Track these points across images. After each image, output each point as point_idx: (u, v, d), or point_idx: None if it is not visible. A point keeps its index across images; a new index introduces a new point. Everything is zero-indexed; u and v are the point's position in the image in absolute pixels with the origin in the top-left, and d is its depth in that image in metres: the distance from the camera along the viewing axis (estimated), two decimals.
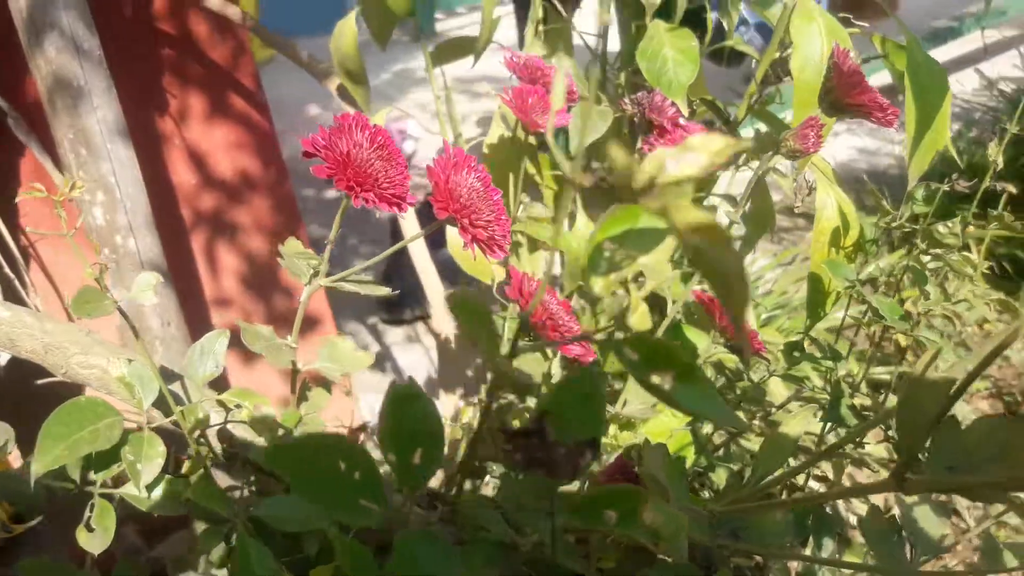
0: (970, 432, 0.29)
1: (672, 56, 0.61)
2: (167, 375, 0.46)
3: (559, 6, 0.82)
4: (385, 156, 0.44)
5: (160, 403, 0.44)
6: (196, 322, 1.02)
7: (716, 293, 0.22)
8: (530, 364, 0.63)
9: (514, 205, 0.71)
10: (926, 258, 0.54)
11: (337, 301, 1.22)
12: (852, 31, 0.55)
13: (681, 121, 0.63)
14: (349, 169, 0.42)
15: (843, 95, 0.43)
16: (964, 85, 2.19)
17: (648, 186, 0.22)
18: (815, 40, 0.47)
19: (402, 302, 1.61)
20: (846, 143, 2.32)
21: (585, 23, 1.22)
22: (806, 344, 0.58)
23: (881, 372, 1.06)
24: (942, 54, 2.33)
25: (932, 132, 0.52)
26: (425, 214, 1.03)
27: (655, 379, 0.28)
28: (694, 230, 0.21)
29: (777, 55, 0.62)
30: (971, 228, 1.34)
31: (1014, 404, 1.08)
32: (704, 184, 0.72)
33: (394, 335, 1.62)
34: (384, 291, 0.49)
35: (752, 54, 0.66)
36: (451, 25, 4.49)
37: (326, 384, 0.57)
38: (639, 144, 0.66)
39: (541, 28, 0.82)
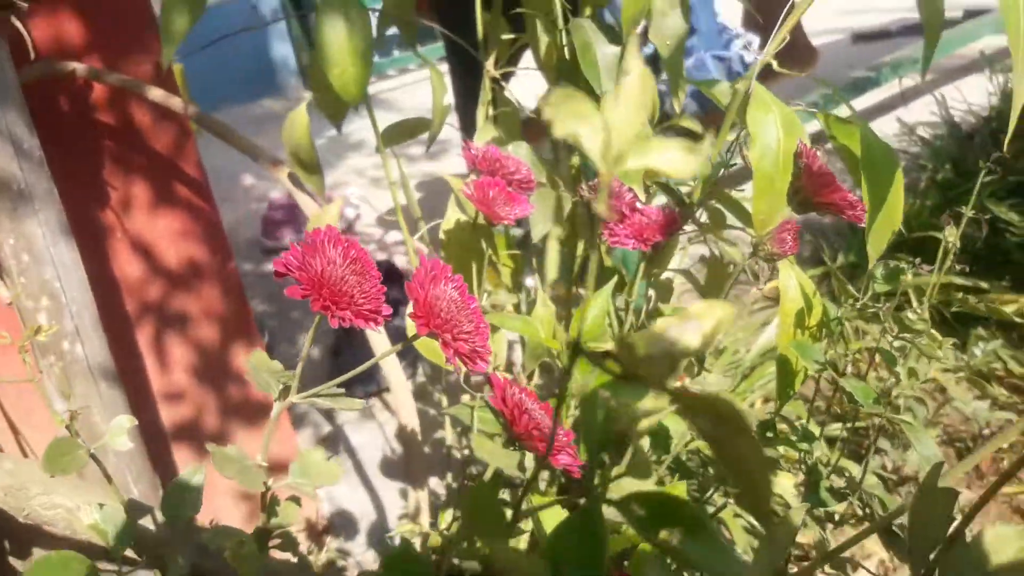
0: (983, 543, 0.29)
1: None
2: (135, 508, 0.44)
3: (510, 95, 0.83)
4: (359, 270, 0.43)
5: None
6: (146, 422, 0.98)
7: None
8: (500, 458, 0.62)
9: (478, 293, 0.71)
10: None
11: None
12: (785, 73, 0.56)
13: (639, 205, 0.64)
14: (324, 288, 0.41)
15: (813, 194, 0.44)
16: (885, 131, 2.28)
17: (650, 362, 0.22)
18: (772, 130, 0.48)
19: (354, 377, 1.58)
20: None
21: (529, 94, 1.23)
22: (777, 423, 0.58)
23: (835, 426, 1.08)
24: (862, 103, 2.43)
25: (887, 212, 0.53)
26: None
27: (663, 535, 0.27)
28: (706, 414, 0.20)
29: (730, 138, 0.63)
30: (908, 276, 1.38)
31: (966, 451, 1.11)
32: (661, 262, 0.73)
33: (346, 413, 1.59)
34: (358, 404, 0.47)
35: (698, 130, 0.67)
36: (382, 88, 4.52)
37: (295, 497, 0.55)
38: (600, 230, 0.66)
39: (491, 112, 0.83)
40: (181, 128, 0.95)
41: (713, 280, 0.75)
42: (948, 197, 1.53)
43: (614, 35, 0.60)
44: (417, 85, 4.42)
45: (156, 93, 0.86)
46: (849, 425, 0.78)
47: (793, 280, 0.57)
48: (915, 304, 0.72)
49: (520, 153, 0.68)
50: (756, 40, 1.38)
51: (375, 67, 4.70)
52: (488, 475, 0.57)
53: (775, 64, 0.53)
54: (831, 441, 1.03)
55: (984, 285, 1.32)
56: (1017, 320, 1.25)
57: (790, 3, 0.56)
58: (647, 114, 0.24)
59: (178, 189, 0.98)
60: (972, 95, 2.27)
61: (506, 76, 0.89)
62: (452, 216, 0.80)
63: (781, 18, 0.52)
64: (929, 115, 2.27)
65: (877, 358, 0.52)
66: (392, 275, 1.87)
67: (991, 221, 1.42)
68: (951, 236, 0.54)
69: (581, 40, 0.58)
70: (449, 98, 1.58)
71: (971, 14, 3.28)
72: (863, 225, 0.49)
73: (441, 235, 0.83)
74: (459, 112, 1.57)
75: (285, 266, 0.41)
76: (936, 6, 0.56)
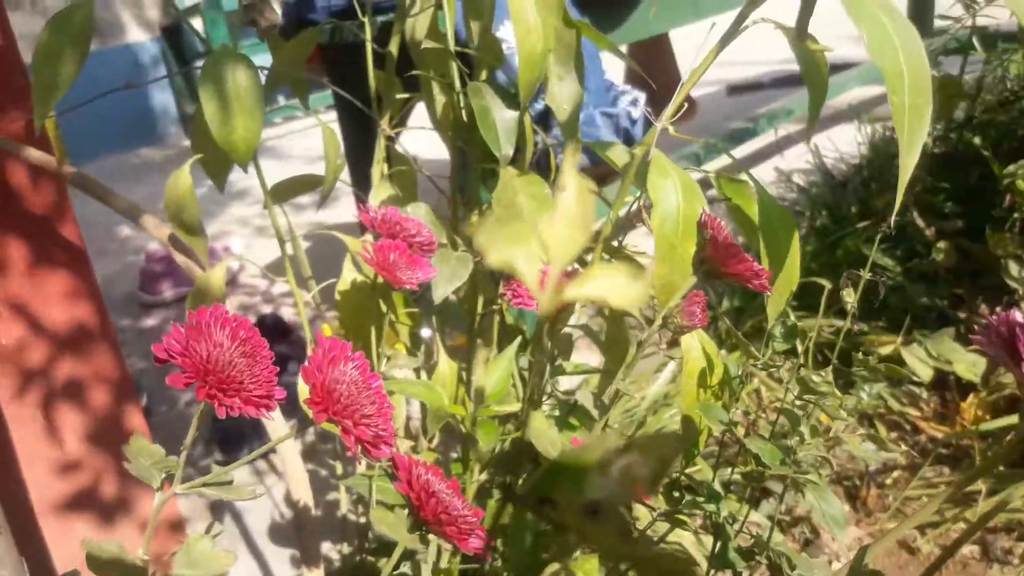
0: None
1: (527, 204, 0.62)
2: None
3: (405, 151, 0.82)
4: (249, 351, 0.40)
5: None
6: (11, 496, 0.90)
7: None
8: (403, 534, 0.59)
9: (376, 359, 0.68)
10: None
11: (164, 440, 1.11)
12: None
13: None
14: (210, 375, 0.38)
15: (719, 264, 0.44)
16: (763, 179, 2.39)
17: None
18: (671, 196, 0.49)
19: (239, 439, 1.50)
20: None
21: (424, 147, 1.23)
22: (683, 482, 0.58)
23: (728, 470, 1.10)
24: (741, 152, 2.55)
25: (785, 273, 0.54)
26: None
27: None
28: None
29: (629, 200, 0.64)
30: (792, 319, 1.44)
31: (853, 488, 1.15)
32: (562, 317, 0.72)
33: (232, 476, 1.51)
34: (248, 493, 0.44)
35: (603, 200, 0.68)
36: (268, 135, 4.43)
37: None
38: (501, 289, 0.65)
39: (386, 170, 0.81)
40: (57, 191, 0.90)
41: (613, 334, 0.75)
42: (826, 243, 1.60)
43: (511, 98, 0.60)
44: (304, 133, 4.35)
45: (32, 154, 0.80)
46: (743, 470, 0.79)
47: (695, 340, 0.57)
48: (801, 347, 0.74)
49: (419, 214, 0.67)
50: (642, 96, 1.42)
51: (281, 112, 4.60)
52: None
53: (671, 129, 0.54)
54: (727, 485, 1.05)
55: (864, 327, 1.38)
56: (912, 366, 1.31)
57: (674, 61, 0.57)
58: (588, 234, 0.23)
59: (54, 253, 0.91)
60: (842, 144, 2.40)
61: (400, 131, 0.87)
62: (348, 276, 0.77)
63: (680, 86, 0.53)
64: (804, 163, 2.39)
65: (778, 406, 0.52)
66: (279, 329, 1.81)
67: (865, 263, 1.49)
68: (849, 297, 0.55)
69: (479, 104, 0.58)
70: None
71: (835, 68, 3.50)
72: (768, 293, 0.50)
73: (336, 296, 0.80)
74: (350, 165, 1.54)
75: (167, 351, 0.38)
76: (815, 60, 0.58)
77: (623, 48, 2.28)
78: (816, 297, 1.45)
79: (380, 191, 0.79)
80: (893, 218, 0.42)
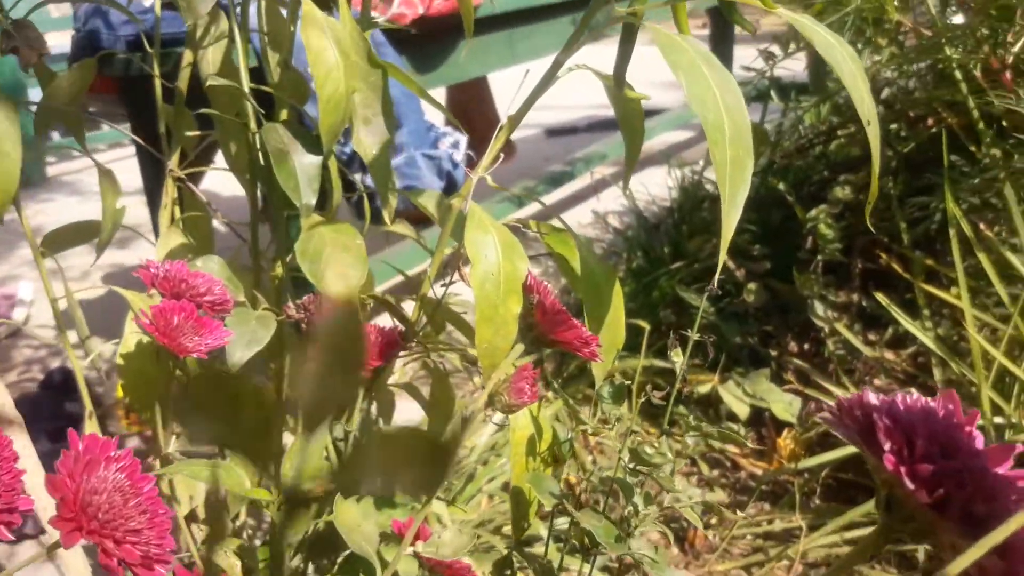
0: None
1: (336, 257, 0.56)
2: None
3: (196, 191, 0.74)
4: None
5: None
6: None
7: None
8: None
9: (164, 437, 0.59)
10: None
11: None
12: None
13: None
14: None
15: (548, 331, 0.41)
16: (581, 220, 2.44)
17: None
18: (491, 253, 0.45)
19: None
20: None
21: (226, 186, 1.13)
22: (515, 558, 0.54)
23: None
24: (560, 194, 2.59)
25: (609, 331, 0.52)
26: None
27: None
28: None
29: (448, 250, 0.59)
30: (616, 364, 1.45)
31: (681, 531, 1.16)
32: (381, 381, 0.67)
33: (16, 554, 1.32)
34: None
35: (422, 247, 0.63)
36: (64, 169, 4.07)
37: None
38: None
39: (178, 215, 0.73)
40: None
41: (437, 393, 0.70)
42: (642, 283, 1.63)
43: (314, 141, 0.54)
44: (112, 166, 4.03)
45: None
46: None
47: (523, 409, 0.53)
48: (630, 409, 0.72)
49: (212, 268, 0.59)
50: (463, 138, 1.39)
51: (57, 148, 4.24)
52: None
53: (489, 180, 0.50)
54: (560, 539, 1.02)
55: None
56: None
57: (492, 104, 0.54)
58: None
59: None
60: (653, 187, 2.50)
61: (199, 174, 0.79)
62: (130, 338, 0.68)
63: (496, 131, 0.49)
64: (619, 205, 2.47)
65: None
66: (69, 386, 1.62)
67: (680, 303, 1.54)
68: (677, 358, 0.53)
69: (276, 148, 0.51)
70: (137, 184, 1.41)
71: (647, 113, 3.68)
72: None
73: (119, 360, 0.70)
74: (149, 198, 1.41)
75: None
76: (632, 109, 0.56)
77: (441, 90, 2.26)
78: (637, 337, 1.47)
79: (167, 240, 0.70)
80: (716, 278, 0.40)
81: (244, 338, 0.56)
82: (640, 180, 2.60)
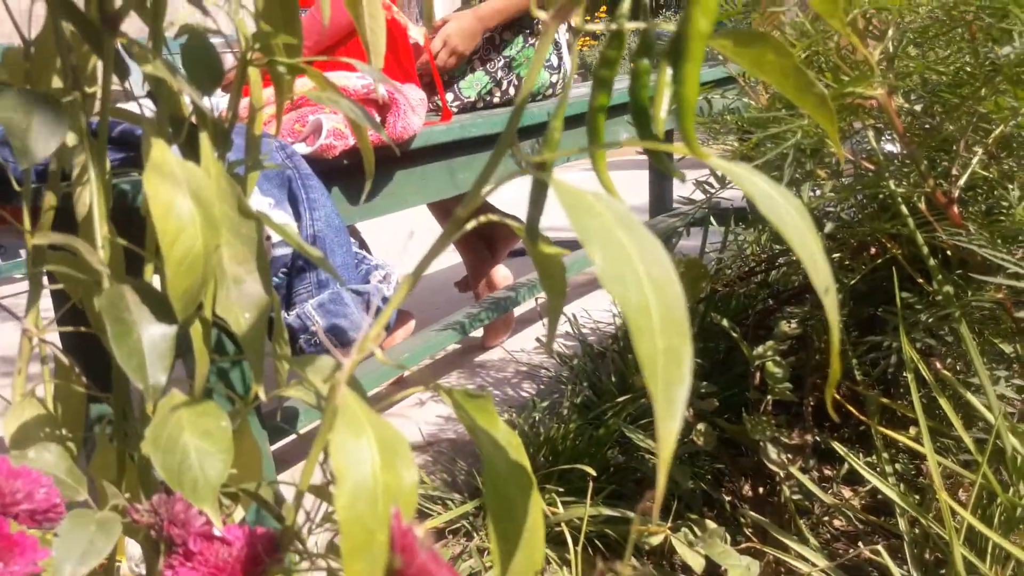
0: None
1: (196, 445, 0.46)
2: None
3: (59, 353, 0.64)
4: None
5: None
6: None
7: None
8: None
9: None
10: None
11: None
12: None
13: (216, 532, 0.46)
14: None
15: None
16: (526, 347, 2.37)
17: None
18: (365, 461, 0.35)
19: None
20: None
21: None
22: None
23: None
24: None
25: (525, 554, 0.42)
26: None
27: None
28: None
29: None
30: (560, 510, 1.34)
31: None
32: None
33: None
34: None
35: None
36: (4, 291, 3.91)
37: None
38: (160, 566, 0.48)
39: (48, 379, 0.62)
40: None
41: None
42: (588, 418, 1.54)
43: (167, 308, 0.44)
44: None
45: None
46: None
47: None
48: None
49: (46, 459, 0.48)
50: (395, 272, 1.32)
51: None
52: None
53: (379, 354, 0.41)
54: None
55: (630, 514, 1.30)
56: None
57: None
58: None
59: None
60: (596, 312, 2.45)
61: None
62: None
63: (394, 292, 0.41)
64: (565, 330, 2.40)
65: None
66: None
67: (628, 441, 1.44)
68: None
69: (115, 318, 0.42)
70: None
71: None
72: None
73: None
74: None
75: None
76: (552, 264, 0.49)
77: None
78: (583, 481, 1.36)
79: (19, 413, 0.59)
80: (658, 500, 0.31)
81: (76, 551, 0.45)
82: (583, 305, 2.55)
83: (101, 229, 0.50)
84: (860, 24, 0.79)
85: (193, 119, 0.53)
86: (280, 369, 0.55)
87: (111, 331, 0.42)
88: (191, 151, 0.52)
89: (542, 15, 0.38)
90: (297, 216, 1.18)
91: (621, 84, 2.38)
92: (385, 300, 1.25)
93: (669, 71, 0.34)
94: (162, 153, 0.41)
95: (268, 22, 0.52)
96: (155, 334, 0.43)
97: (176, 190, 0.41)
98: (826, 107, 0.42)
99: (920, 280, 1.05)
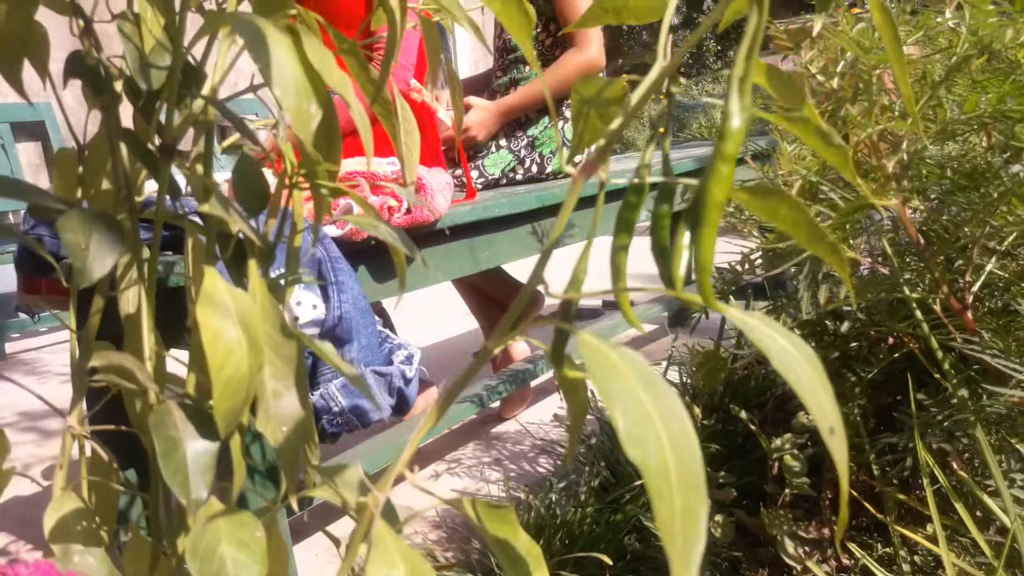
0: None
1: (232, 556, 0.48)
2: None
3: (101, 450, 0.66)
4: None
5: None
6: None
7: None
8: None
9: None
10: None
11: None
12: None
13: None
14: None
15: None
16: (543, 419, 2.37)
17: None
18: None
19: None
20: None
21: None
22: None
23: None
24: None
25: None
26: None
27: None
28: None
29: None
30: None
31: None
32: None
33: None
34: None
35: None
36: (27, 345, 3.99)
37: None
38: None
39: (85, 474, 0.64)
40: None
41: None
42: (606, 501, 1.54)
43: (210, 424, 0.47)
44: (66, 347, 3.93)
45: None
46: None
47: None
48: None
49: (89, 564, 0.50)
50: (417, 352, 1.34)
51: (21, 327, 4.10)
52: None
53: (412, 478, 0.43)
54: None
55: None
56: None
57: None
58: None
59: None
60: None
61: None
62: None
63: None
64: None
65: None
66: None
67: (642, 530, 1.44)
68: None
69: (164, 435, 0.45)
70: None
71: (609, 305, 3.70)
72: None
73: None
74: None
75: None
76: (576, 387, 0.51)
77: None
78: (599, 568, 1.36)
79: (60, 506, 0.62)
80: None
81: None
82: None
83: (148, 341, 0.53)
84: (875, 137, 0.82)
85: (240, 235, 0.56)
86: (309, 474, 0.58)
87: (159, 448, 0.44)
88: (237, 268, 0.55)
89: (571, 170, 0.41)
90: (325, 298, 1.21)
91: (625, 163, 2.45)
92: (407, 381, 1.28)
93: (687, 235, 0.37)
94: (213, 282, 0.44)
95: (315, 147, 0.56)
96: (198, 450, 0.46)
97: (225, 318, 0.44)
98: (837, 255, 0.44)
99: (937, 375, 1.06)
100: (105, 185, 0.68)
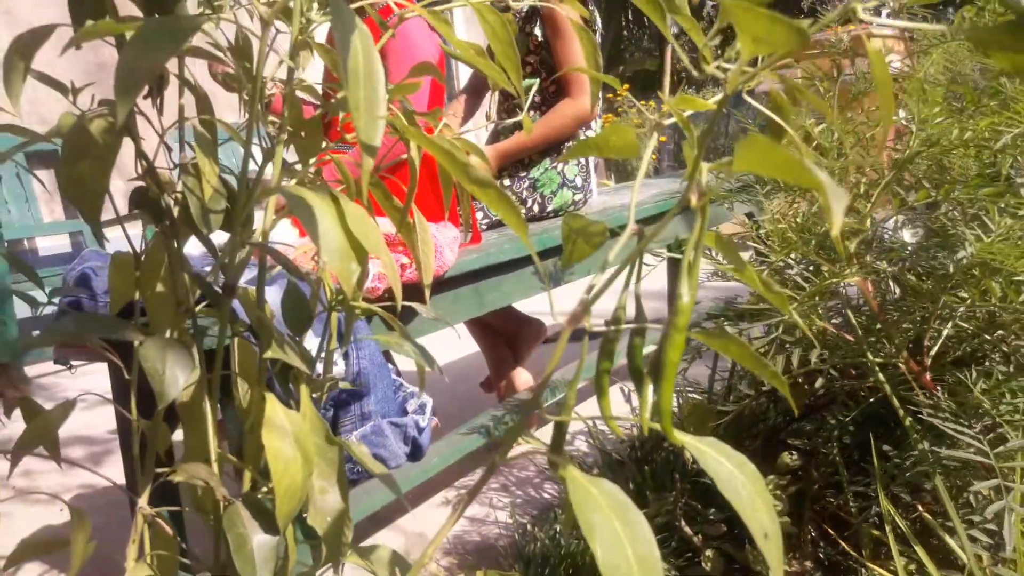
0: None
1: None
2: None
3: (166, 527, 0.77)
4: None
5: None
6: None
7: None
8: None
9: None
10: None
11: None
12: None
13: None
14: None
15: None
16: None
17: None
18: None
19: None
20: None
21: None
22: None
23: None
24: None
25: None
26: None
27: None
28: None
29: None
30: None
31: None
32: None
33: None
34: None
35: None
36: (43, 370, 4.09)
37: None
38: None
39: (148, 548, 0.75)
40: None
41: None
42: None
43: (272, 521, 0.58)
44: (83, 371, 4.05)
45: None
46: None
47: None
48: None
49: None
50: (429, 401, 1.45)
51: (38, 353, 4.18)
52: None
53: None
54: None
55: None
56: None
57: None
58: None
59: None
60: (616, 412, 2.55)
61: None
62: None
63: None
64: (584, 435, 2.51)
65: None
66: None
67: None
68: None
69: (236, 533, 0.55)
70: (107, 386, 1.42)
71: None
72: None
73: None
74: (123, 449, 1.43)
75: None
76: (575, 479, 0.61)
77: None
78: None
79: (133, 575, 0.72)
80: None
81: None
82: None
83: (213, 445, 0.64)
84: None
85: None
86: (343, 553, 0.68)
87: (232, 543, 0.55)
88: (283, 377, 0.66)
89: (562, 320, 0.52)
90: (344, 355, 1.32)
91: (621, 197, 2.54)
92: (420, 430, 1.38)
93: (651, 387, 0.48)
94: (273, 408, 0.55)
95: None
96: (263, 542, 0.57)
97: (283, 438, 0.54)
98: (779, 380, 0.55)
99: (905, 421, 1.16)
100: (159, 288, 0.79)
